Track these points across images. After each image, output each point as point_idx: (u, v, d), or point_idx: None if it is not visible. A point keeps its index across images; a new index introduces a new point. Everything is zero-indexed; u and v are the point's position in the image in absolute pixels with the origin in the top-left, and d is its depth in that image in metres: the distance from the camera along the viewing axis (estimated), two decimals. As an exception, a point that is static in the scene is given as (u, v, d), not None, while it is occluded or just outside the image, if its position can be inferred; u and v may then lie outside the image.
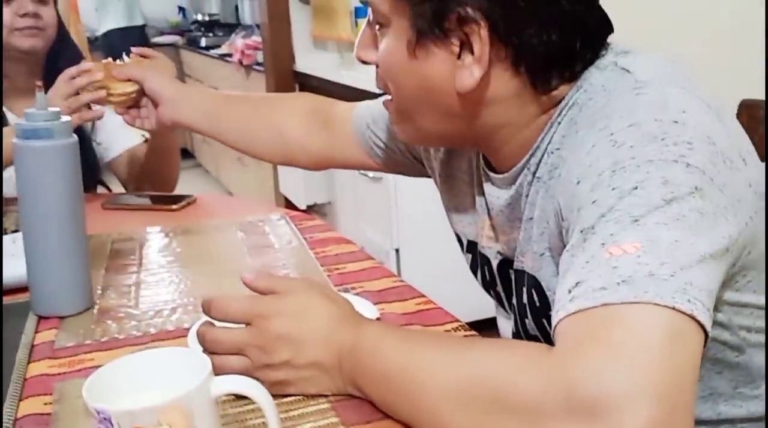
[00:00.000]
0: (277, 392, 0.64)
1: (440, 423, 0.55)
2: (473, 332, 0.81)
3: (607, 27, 0.70)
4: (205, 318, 0.83)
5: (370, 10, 0.73)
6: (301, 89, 2.94)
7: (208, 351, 0.66)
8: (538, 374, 0.50)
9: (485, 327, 0.91)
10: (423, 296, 0.90)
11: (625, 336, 0.49)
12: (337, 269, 1.01)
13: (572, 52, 0.67)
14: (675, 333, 0.50)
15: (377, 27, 0.72)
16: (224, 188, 4.51)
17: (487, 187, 0.79)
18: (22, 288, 0.94)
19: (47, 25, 1.49)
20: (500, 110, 0.70)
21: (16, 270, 0.95)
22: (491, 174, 0.78)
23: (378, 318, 0.81)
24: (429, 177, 0.96)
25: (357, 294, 0.90)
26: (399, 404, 0.59)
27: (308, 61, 2.95)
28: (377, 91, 0.78)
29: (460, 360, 0.57)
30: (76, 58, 1.55)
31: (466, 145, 0.81)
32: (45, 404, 0.70)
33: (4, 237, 1.05)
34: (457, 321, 0.83)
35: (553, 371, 0.50)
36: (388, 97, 0.76)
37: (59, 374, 0.75)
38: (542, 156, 0.70)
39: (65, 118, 0.85)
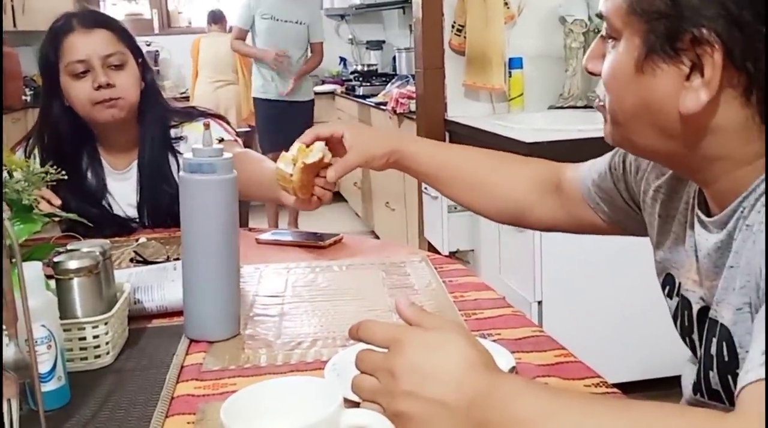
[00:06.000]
0: (398, 426, 0.61)
1: None
2: (615, 390, 0.77)
3: None
4: (342, 352, 0.85)
5: (605, 24, 0.73)
6: (451, 137, 2.97)
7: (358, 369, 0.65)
8: None
9: (628, 390, 0.86)
10: (563, 348, 0.87)
11: None
12: (475, 314, 1.00)
13: None
14: None
15: (609, 41, 0.72)
16: (371, 231, 4.62)
17: (697, 229, 0.76)
18: (177, 313, 1.01)
19: (125, 93, 1.50)
20: (721, 141, 0.67)
21: (174, 294, 1.02)
22: (702, 216, 0.75)
23: (514, 367, 0.78)
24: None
25: (494, 341, 0.88)
26: None
27: (459, 109, 2.99)
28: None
29: (620, 420, 0.53)
30: (163, 111, 1.59)
31: (678, 169, 0.79)
32: (188, 423, 0.74)
33: (168, 264, 1.13)
34: (599, 377, 0.79)
35: None
36: (601, 101, 0.76)
37: (203, 395, 0.79)
38: (755, 202, 0.66)
39: (227, 155, 0.91)
